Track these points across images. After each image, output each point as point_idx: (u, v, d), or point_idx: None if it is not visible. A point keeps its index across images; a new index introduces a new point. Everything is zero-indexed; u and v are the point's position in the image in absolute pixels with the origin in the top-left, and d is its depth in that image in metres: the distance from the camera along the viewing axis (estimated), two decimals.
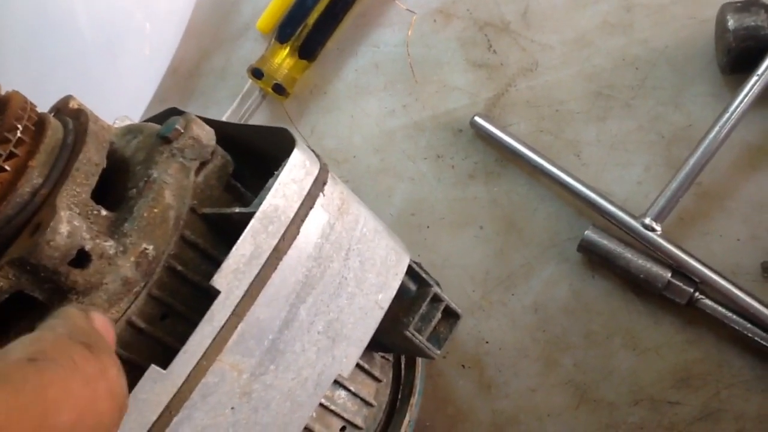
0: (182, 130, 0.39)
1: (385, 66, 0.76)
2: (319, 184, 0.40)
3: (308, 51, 0.76)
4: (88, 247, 0.33)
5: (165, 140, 0.39)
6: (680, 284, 0.61)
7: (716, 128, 0.62)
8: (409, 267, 0.47)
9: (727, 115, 0.62)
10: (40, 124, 0.36)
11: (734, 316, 0.60)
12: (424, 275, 0.49)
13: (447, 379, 0.68)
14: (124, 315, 0.35)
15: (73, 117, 0.39)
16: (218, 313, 0.34)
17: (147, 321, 0.36)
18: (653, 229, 0.62)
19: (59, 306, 0.33)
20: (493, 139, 0.70)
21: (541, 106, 0.71)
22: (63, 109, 0.41)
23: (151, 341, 0.36)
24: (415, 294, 0.48)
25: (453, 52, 0.74)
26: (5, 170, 0.33)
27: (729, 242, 0.64)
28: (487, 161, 0.71)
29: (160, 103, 0.81)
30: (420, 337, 0.47)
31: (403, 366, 0.56)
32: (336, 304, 0.40)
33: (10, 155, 0.33)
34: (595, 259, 0.65)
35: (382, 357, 0.53)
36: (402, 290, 0.45)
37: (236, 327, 0.35)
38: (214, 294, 0.34)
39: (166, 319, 0.36)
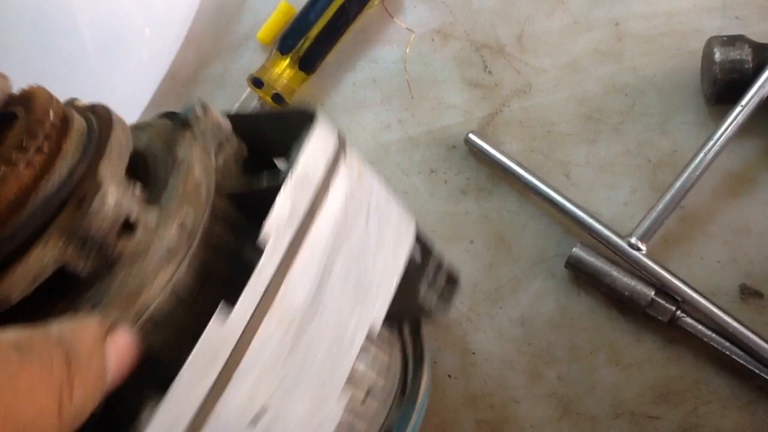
0: (201, 115, 0.41)
1: (383, 81, 0.78)
2: (339, 151, 0.42)
3: (308, 63, 0.78)
4: (133, 217, 0.34)
5: (185, 124, 0.40)
6: (663, 302, 0.63)
7: (701, 155, 0.65)
8: (416, 233, 0.49)
9: (711, 142, 0.65)
10: (65, 113, 0.37)
11: (714, 335, 0.63)
12: (428, 243, 0.51)
13: (432, 388, 0.69)
14: (169, 283, 0.35)
15: (89, 110, 0.40)
16: (266, 266, 0.36)
17: (188, 291, 0.37)
18: (638, 249, 0.65)
19: (103, 282, 0.34)
20: (486, 157, 0.72)
21: (533, 126, 0.73)
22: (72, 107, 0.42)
23: (193, 309, 0.37)
24: (420, 260, 0.50)
25: (449, 71, 0.77)
26: (43, 152, 0.33)
27: (710, 264, 0.67)
28: (480, 178, 0.73)
29: (156, 108, 0.82)
30: (430, 299, 0.49)
31: (408, 340, 0.58)
32: (362, 263, 0.42)
33: (47, 137, 0.34)
34: (581, 276, 0.67)
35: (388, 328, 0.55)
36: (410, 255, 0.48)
37: (284, 276, 0.36)
38: (260, 249, 0.36)
39: (204, 289, 0.37)
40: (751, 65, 0.65)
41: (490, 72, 0.76)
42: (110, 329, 0.31)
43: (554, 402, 0.66)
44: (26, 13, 0.81)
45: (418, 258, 0.51)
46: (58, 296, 0.34)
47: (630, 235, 0.65)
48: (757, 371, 0.61)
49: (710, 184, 0.68)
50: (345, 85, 0.79)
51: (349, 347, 0.41)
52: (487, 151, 0.72)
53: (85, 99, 0.49)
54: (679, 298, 0.63)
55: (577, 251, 0.66)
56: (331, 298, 0.40)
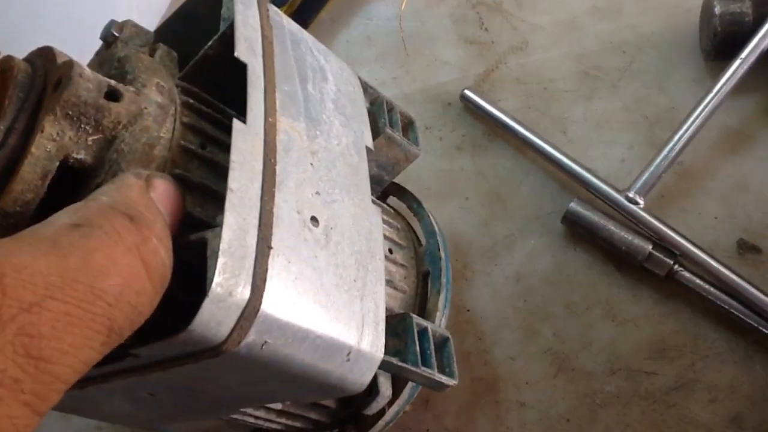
0: (119, 29, 0.41)
1: (377, 39, 0.77)
2: (263, 7, 0.42)
3: (301, 19, 0.76)
4: (113, 85, 0.33)
5: (111, 40, 0.40)
6: (661, 256, 0.63)
7: (699, 109, 0.65)
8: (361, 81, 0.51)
9: (710, 96, 0.65)
10: (4, 59, 0.35)
11: (711, 289, 0.62)
12: (370, 90, 0.52)
13: None
14: (174, 138, 0.35)
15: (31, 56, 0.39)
16: (256, 81, 0.37)
17: (192, 143, 0.37)
18: (636, 203, 0.64)
19: (113, 153, 0.33)
20: (482, 113, 0.71)
21: (529, 83, 0.72)
22: None
23: (204, 164, 0.37)
24: (370, 107, 0.52)
25: (445, 28, 0.76)
26: None
27: (707, 220, 0.66)
28: (475, 134, 0.72)
29: None
30: (399, 134, 0.51)
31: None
32: (327, 88, 0.44)
33: None
34: (578, 231, 0.67)
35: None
36: None
37: (274, 92, 0.38)
38: (244, 66, 0.37)
39: (206, 148, 0.37)
40: (751, 18, 0.65)
41: (486, 29, 0.75)
42: (147, 181, 0.31)
43: (549, 358, 0.65)
44: None
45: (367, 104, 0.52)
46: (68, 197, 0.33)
47: (628, 189, 0.64)
48: (755, 324, 0.61)
49: (708, 140, 0.68)
50: (339, 42, 0.78)
51: (358, 157, 0.43)
52: (483, 107, 0.71)
53: (73, 56, 0.49)
54: (677, 252, 0.63)
55: (575, 206, 0.65)
56: (319, 112, 0.41)
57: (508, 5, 0.75)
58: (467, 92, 0.72)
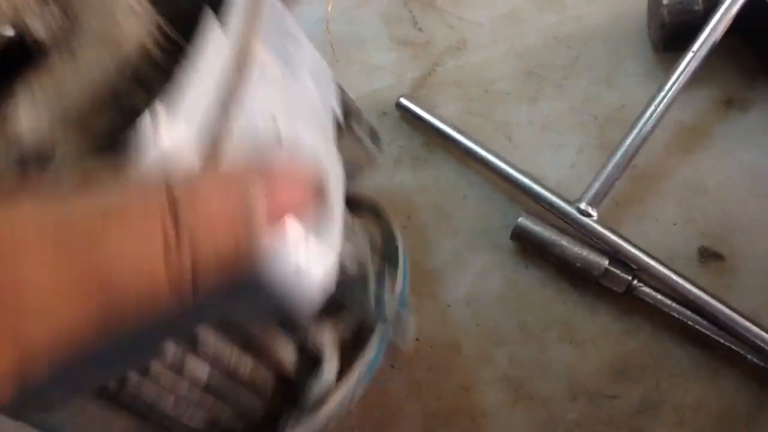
0: None
1: None
2: None
3: None
4: None
5: None
6: (618, 272, 0.58)
7: (651, 108, 0.60)
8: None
9: (661, 93, 0.60)
10: None
11: (673, 304, 0.58)
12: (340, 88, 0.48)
13: (374, 380, 0.63)
14: (138, 39, 0.31)
15: None
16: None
17: (160, 55, 0.32)
18: (589, 215, 0.59)
19: (64, 51, 0.29)
20: (420, 122, 0.66)
21: (470, 86, 0.67)
22: None
23: (162, 75, 0.32)
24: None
25: (376, 29, 0.70)
26: None
27: (665, 226, 0.62)
28: (414, 146, 0.67)
29: None
30: (366, 136, 0.48)
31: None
32: (305, 57, 0.40)
33: None
34: (528, 247, 0.62)
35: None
36: None
37: (256, 21, 0.34)
38: None
39: (171, 57, 0.33)
40: (701, 7, 0.60)
41: (420, 28, 0.69)
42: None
43: (506, 386, 0.61)
44: None
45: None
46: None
47: (579, 201, 0.59)
48: (720, 340, 0.57)
49: (662, 139, 0.63)
50: None
51: (327, 128, 0.40)
52: (421, 115, 0.66)
53: None
54: (634, 266, 0.58)
55: (523, 221, 0.60)
56: (296, 70, 0.38)
57: (442, 1, 0.69)
58: (403, 100, 0.66)
